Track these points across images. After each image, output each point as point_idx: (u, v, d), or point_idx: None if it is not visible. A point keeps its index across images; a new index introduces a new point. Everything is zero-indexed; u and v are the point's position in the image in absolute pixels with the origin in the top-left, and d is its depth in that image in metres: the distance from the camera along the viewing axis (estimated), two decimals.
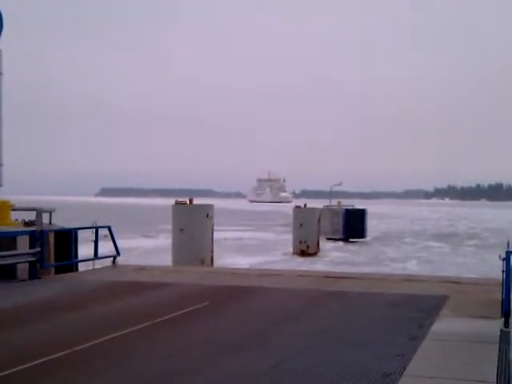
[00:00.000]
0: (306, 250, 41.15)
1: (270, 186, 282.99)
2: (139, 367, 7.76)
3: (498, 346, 8.40)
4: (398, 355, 8.03)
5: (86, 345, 8.65)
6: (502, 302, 10.11)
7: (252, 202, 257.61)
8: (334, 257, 40.37)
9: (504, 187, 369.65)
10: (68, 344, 8.63)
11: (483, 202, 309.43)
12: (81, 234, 17.86)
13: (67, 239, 17.01)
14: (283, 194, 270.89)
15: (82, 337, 9.09)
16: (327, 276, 16.43)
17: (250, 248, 44.96)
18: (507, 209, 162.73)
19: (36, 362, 7.79)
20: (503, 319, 9.56)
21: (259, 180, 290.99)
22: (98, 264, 18.16)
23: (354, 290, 13.72)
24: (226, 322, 10.46)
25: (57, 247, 16.72)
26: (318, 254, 41.41)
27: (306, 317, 10.95)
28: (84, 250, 18.29)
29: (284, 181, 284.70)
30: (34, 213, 16.77)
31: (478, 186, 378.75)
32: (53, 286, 14.60)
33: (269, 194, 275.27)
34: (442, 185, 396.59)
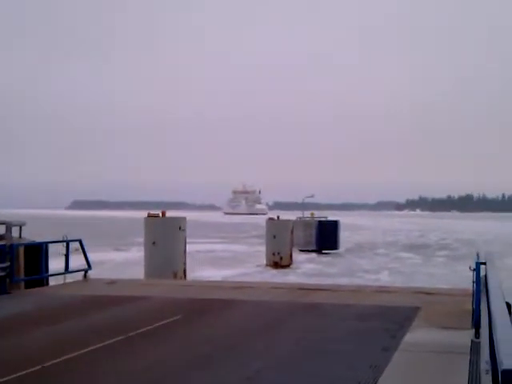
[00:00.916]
0: (279, 261, 41.16)
1: (246, 198, 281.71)
2: (113, 382, 7.67)
3: (468, 356, 8.49)
4: (371, 366, 8.07)
5: (57, 360, 8.54)
6: (473, 312, 10.23)
7: (227, 214, 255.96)
8: (307, 268, 40.45)
9: (474, 199, 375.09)
10: (39, 359, 8.51)
11: (454, 213, 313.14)
12: (51, 248, 17.64)
13: (37, 253, 16.78)
14: (259, 206, 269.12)
15: (54, 352, 8.96)
16: (300, 288, 16.45)
17: (223, 260, 44.82)
18: (477, 220, 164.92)
19: (6, 379, 7.66)
20: (474, 330, 9.66)
21: (234, 192, 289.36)
22: (69, 278, 17.92)
23: (327, 302, 13.75)
24: (199, 335, 10.40)
25: (27, 261, 16.47)
26: (291, 265, 41.43)
27: (280, 329, 10.95)
28: (55, 264, 18.05)
29: (259, 192, 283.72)
30: (4, 227, 16.52)
31: (449, 197, 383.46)
32: (23, 301, 14.38)
33: (244, 206, 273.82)
34: (414, 196, 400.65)
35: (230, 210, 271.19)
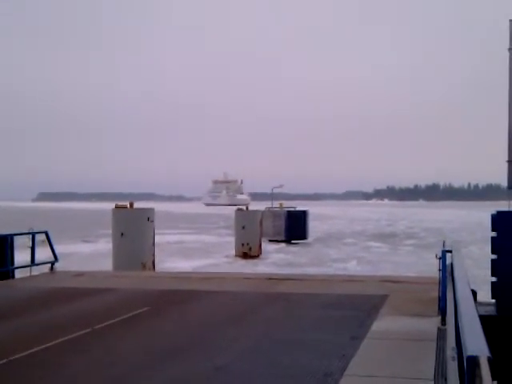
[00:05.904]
0: (248, 252, 41.25)
1: (227, 188, 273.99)
2: (78, 375, 7.59)
3: (435, 343, 8.59)
4: (339, 355, 8.11)
5: (22, 354, 8.41)
6: (439, 300, 10.35)
7: (208, 205, 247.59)
8: (277, 259, 40.62)
9: (441, 187, 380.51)
10: (5, 353, 8.37)
11: (421, 202, 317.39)
12: (17, 241, 17.37)
13: (2, 245, 16.52)
14: (240, 197, 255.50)
15: (19, 346, 8.82)
16: (270, 278, 16.48)
17: (192, 251, 44.75)
18: (443, 208, 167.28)
19: None
20: (440, 317, 9.78)
21: (215, 182, 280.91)
22: (36, 271, 17.70)
23: (296, 292, 13.80)
24: (168, 327, 10.35)
25: None
26: (261, 256, 41.58)
27: (249, 319, 10.95)
28: (20, 256, 17.79)
29: (241, 183, 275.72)
30: None
31: (416, 186, 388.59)
32: None
33: (225, 197, 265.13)
34: (381, 186, 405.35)
35: (210, 201, 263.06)
